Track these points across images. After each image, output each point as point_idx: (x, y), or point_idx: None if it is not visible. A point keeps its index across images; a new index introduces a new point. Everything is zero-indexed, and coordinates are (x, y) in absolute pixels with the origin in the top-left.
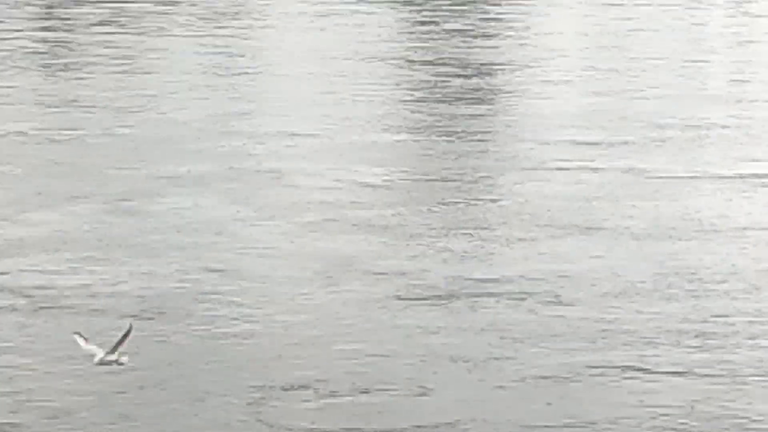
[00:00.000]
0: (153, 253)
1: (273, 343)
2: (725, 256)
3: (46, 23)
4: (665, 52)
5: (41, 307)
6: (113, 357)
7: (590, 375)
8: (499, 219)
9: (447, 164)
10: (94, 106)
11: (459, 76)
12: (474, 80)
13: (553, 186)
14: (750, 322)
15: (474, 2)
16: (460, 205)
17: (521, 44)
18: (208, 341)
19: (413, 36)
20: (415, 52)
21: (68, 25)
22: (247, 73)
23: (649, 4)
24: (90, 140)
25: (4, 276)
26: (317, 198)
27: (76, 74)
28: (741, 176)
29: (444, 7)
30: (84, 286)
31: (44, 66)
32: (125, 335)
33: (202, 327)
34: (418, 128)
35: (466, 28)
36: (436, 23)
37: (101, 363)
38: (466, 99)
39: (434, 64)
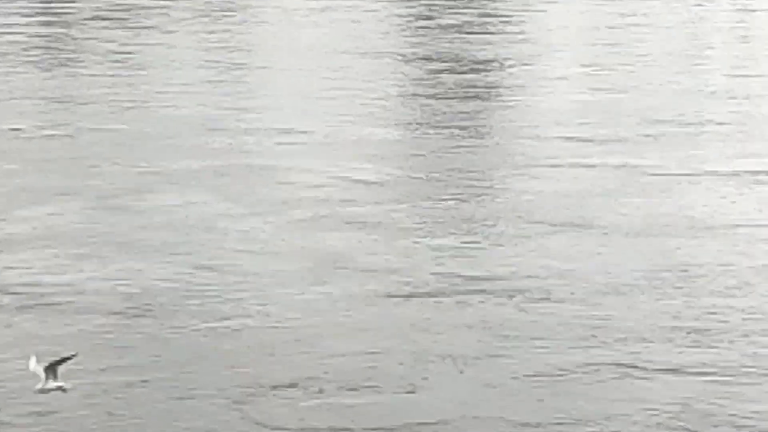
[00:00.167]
0: (142, 250)
1: (262, 341)
2: (718, 253)
3: (42, 18)
4: (663, 48)
5: (27, 305)
6: (55, 384)
7: (582, 372)
8: (491, 216)
9: (440, 161)
10: (88, 102)
11: (454, 72)
12: (469, 76)
13: (547, 182)
14: (743, 318)
15: None
16: (453, 202)
17: (517, 40)
18: (196, 339)
19: (408, 31)
20: (410, 47)
21: (63, 20)
22: (241, 68)
23: (647, 0)
24: (83, 136)
25: None
26: (309, 195)
27: (71, 70)
28: (735, 173)
29: (440, 3)
30: (71, 284)
31: (39, 61)
32: (65, 359)
33: (191, 324)
34: (412, 124)
35: (461, 23)
36: (431, 18)
37: (41, 391)
38: (461, 95)
39: (429, 60)
